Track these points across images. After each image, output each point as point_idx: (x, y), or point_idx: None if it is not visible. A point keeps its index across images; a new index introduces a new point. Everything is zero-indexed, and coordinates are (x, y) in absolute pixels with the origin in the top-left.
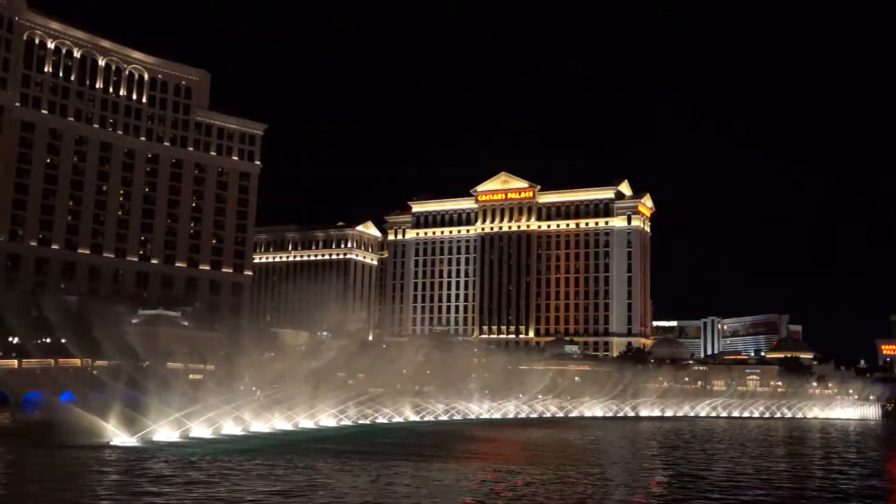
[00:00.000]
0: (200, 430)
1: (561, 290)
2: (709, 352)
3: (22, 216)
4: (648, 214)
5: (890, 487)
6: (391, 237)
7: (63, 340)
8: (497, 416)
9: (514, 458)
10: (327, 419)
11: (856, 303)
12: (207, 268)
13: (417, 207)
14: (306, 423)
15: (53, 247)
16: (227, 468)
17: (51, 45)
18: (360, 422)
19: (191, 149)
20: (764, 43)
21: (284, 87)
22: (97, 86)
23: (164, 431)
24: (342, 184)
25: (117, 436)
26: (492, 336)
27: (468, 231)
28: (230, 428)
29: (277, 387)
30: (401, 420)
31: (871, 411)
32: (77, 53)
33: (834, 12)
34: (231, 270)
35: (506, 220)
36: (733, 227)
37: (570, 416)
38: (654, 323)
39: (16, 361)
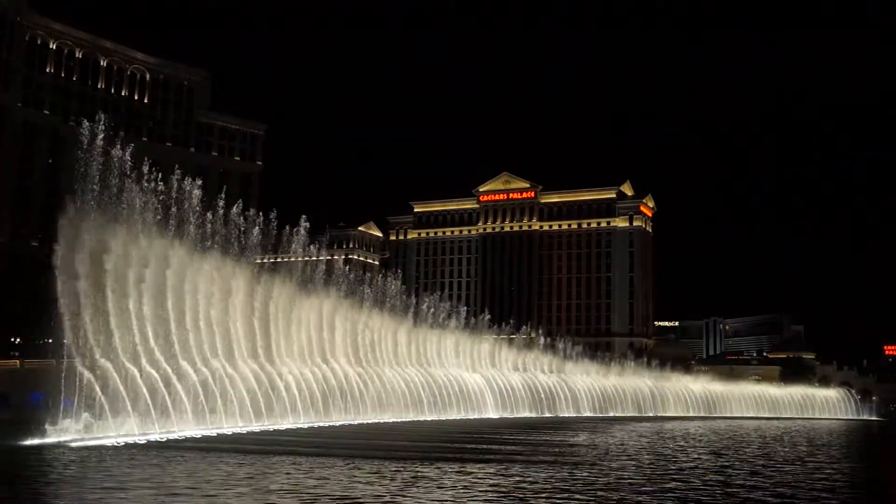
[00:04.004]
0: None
1: (563, 291)
2: (711, 352)
3: (24, 217)
4: (650, 214)
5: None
6: (393, 237)
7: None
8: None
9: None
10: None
11: (859, 303)
12: None
13: (419, 208)
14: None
15: (55, 247)
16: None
17: (52, 45)
18: None
19: (192, 149)
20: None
21: (285, 87)
22: (99, 86)
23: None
24: (344, 184)
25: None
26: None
27: (470, 231)
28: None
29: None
30: None
31: (875, 412)
32: (79, 54)
33: None
34: None
35: (507, 220)
36: (735, 227)
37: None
38: (656, 323)
39: (17, 361)
